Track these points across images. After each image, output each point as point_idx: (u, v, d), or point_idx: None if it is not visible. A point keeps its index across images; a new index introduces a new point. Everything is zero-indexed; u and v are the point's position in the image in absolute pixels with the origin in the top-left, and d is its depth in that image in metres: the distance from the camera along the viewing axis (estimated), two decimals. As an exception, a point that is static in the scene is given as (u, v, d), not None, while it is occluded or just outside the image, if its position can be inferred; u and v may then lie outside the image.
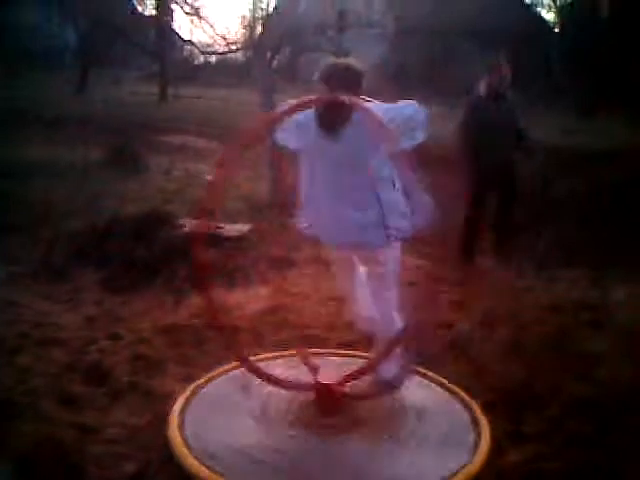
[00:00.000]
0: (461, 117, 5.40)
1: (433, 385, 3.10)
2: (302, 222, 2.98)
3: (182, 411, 2.78)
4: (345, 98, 2.58)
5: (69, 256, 4.93)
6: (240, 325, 3.73)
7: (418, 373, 3.14)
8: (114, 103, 16.61)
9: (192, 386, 3.02)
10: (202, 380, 3.09)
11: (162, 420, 2.74)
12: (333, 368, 3.03)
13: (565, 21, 23.73)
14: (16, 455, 2.58)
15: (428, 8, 25.33)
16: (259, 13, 28.41)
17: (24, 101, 15.58)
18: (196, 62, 32.14)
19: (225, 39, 27.67)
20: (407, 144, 2.55)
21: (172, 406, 2.83)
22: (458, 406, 2.91)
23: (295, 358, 3.15)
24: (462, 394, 2.99)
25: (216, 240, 4.83)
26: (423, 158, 2.51)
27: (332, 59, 2.96)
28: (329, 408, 2.77)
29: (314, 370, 2.90)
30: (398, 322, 2.91)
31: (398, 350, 2.86)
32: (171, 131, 13.49)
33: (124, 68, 26.93)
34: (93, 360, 3.43)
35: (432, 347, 3.40)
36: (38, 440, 2.66)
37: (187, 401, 2.88)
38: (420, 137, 2.64)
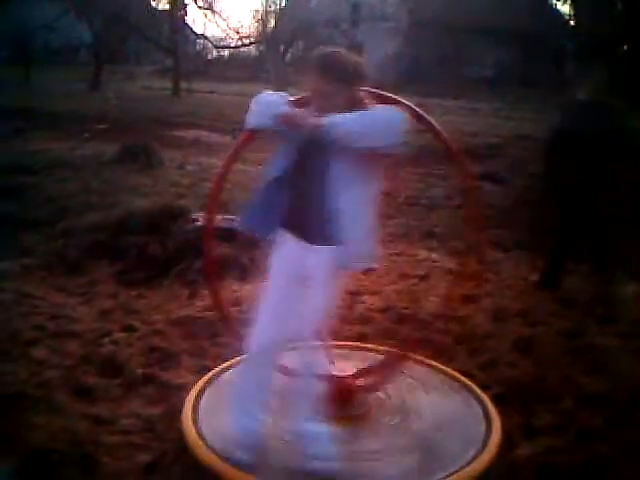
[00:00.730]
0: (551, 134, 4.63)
1: (445, 377, 3.10)
2: None
3: (196, 402, 2.80)
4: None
5: (84, 249, 4.97)
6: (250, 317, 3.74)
7: (430, 366, 3.15)
8: (127, 98, 16.71)
9: (206, 377, 3.02)
10: (216, 370, 3.08)
11: (176, 411, 2.75)
12: (346, 361, 3.04)
13: (580, 13, 23.48)
14: (31, 446, 2.61)
15: (442, 0, 25.25)
16: (272, 7, 28.56)
17: (40, 98, 15.72)
18: (209, 57, 32.23)
19: (238, 33, 27.76)
20: (383, 149, 2.31)
21: (186, 397, 2.83)
22: (469, 399, 2.91)
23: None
24: (474, 387, 3.00)
25: (230, 234, 4.85)
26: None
27: (327, 47, 2.48)
28: (343, 400, 2.78)
29: (328, 362, 2.91)
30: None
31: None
32: (184, 126, 13.52)
33: (137, 64, 27.04)
34: (108, 352, 3.47)
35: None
36: (53, 431, 2.69)
37: (201, 392, 2.89)
38: (396, 142, 2.31)
